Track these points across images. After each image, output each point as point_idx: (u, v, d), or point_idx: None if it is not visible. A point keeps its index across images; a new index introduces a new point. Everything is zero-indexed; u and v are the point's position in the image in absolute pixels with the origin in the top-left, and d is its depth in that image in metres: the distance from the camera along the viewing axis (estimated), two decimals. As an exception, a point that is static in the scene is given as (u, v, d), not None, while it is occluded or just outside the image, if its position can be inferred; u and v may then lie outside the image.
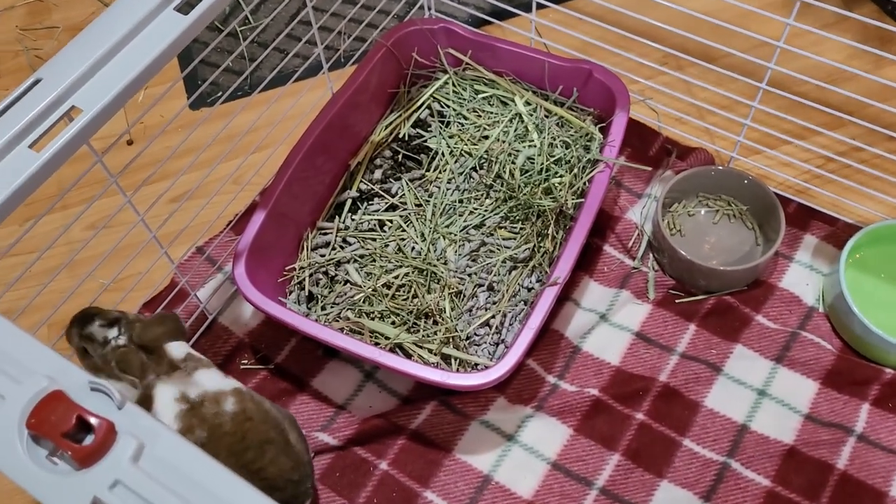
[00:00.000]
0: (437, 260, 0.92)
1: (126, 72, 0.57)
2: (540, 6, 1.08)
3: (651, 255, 0.96)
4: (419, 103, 1.04)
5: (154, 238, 0.83)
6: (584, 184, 0.92)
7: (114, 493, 0.43)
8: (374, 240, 0.95)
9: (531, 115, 1.00)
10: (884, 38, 1.11)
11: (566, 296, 0.94)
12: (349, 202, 0.99)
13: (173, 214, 0.87)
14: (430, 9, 1.12)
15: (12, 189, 0.55)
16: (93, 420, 0.44)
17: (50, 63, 0.59)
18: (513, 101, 1.02)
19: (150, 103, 1.15)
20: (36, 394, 0.45)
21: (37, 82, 0.59)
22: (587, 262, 0.96)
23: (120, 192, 0.76)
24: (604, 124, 0.96)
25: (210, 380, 0.72)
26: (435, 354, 0.85)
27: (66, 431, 0.43)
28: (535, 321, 0.79)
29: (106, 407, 0.45)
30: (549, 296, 0.81)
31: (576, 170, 0.94)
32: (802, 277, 0.93)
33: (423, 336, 0.86)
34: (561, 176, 0.94)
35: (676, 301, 0.92)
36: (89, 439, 0.44)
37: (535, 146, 0.97)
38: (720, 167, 0.97)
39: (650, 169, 1.02)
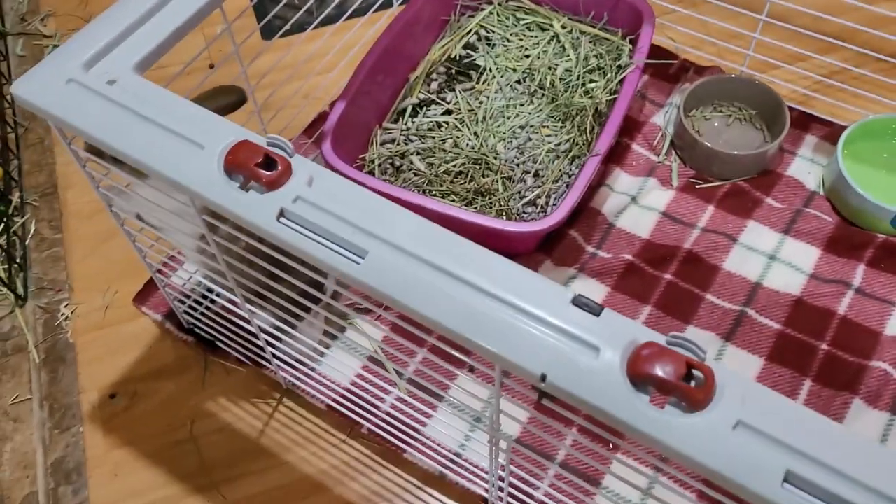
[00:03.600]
0: (489, 153, 1.06)
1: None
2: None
3: (674, 151, 1.11)
4: (468, 29, 1.19)
5: (262, 122, 0.97)
6: (617, 85, 1.07)
7: (295, 205, 0.56)
8: (433, 138, 1.09)
9: (567, 36, 1.15)
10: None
11: (601, 182, 1.08)
12: (410, 108, 1.13)
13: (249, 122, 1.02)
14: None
15: (184, 19, 0.69)
16: (276, 158, 0.58)
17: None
18: (551, 25, 1.17)
19: (226, 35, 1.30)
20: (229, 143, 0.59)
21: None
22: (618, 157, 1.11)
23: (248, 91, 0.91)
24: (632, 37, 1.11)
25: None
26: (491, 223, 0.99)
27: (256, 164, 0.57)
28: (580, 183, 0.93)
29: (282, 154, 0.59)
30: (590, 165, 0.95)
31: (609, 75, 1.09)
32: (805, 167, 1.08)
33: (480, 208, 1.00)
34: (595, 81, 1.09)
35: (697, 187, 1.07)
36: (274, 172, 0.58)
37: (571, 60, 1.12)
38: (732, 75, 1.12)
39: (674, 62, 1.16)
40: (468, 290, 0.52)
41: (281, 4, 1.07)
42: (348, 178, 0.96)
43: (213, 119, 0.61)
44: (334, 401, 0.89)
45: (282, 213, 0.56)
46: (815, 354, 0.92)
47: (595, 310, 0.52)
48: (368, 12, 1.23)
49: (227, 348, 0.95)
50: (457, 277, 0.53)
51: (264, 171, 0.57)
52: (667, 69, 1.19)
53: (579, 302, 0.53)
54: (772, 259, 1.00)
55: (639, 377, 0.48)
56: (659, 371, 0.47)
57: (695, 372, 0.47)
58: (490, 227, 0.91)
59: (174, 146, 0.59)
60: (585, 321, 0.51)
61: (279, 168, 0.57)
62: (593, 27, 1.15)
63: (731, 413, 0.46)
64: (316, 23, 1.27)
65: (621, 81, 1.05)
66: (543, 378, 0.49)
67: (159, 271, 0.92)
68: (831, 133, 1.10)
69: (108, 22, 0.67)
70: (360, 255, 0.54)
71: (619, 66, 1.09)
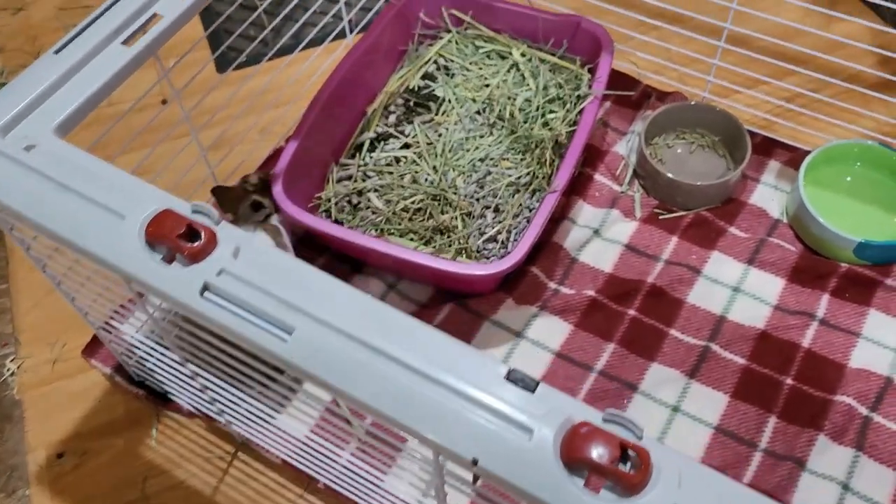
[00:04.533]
0: (448, 188, 1.04)
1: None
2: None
3: (636, 181, 1.09)
4: (427, 59, 1.17)
5: (208, 165, 0.95)
6: (577, 116, 1.05)
7: (220, 279, 0.54)
8: (391, 173, 1.07)
9: (527, 64, 1.13)
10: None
11: (563, 215, 1.06)
12: (367, 142, 1.11)
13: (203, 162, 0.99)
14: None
15: (109, 76, 0.67)
16: (199, 228, 0.55)
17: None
18: (510, 53, 1.15)
19: (180, 67, 1.27)
20: (151, 212, 0.56)
21: (123, -3, 0.70)
22: (580, 188, 1.09)
23: (193, 137, 0.88)
24: (591, 66, 1.09)
25: None
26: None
27: (179, 234, 0.55)
28: (538, 220, 0.91)
29: (207, 223, 0.57)
30: (549, 202, 0.93)
31: (568, 105, 1.07)
32: (769, 194, 1.06)
33: (439, 247, 0.98)
34: (555, 112, 1.07)
35: (660, 217, 1.05)
36: (197, 243, 0.55)
37: (531, 89, 1.10)
38: (693, 102, 1.11)
39: (633, 94, 1.14)
40: (399, 369, 0.50)
41: (234, 36, 1.04)
42: (300, 222, 0.95)
43: (135, 186, 0.59)
44: (290, 455, 0.86)
45: (206, 288, 0.54)
46: (780, 389, 0.91)
47: (530, 385, 0.50)
48: (325, 42, 1.21)
49: (179, 401, 0.92)
50: (387, 355, 0.50)
51: (187, 243, 0.55)
52: (629, 95, 1.18)
53: (514, 378, 0.50)
54: (736, 291, 0.98)
55: (573, 461, 0.46)
56: (593, 454, 0.45)
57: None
58: (447, 270, 0.89)
59: (93, 216, 0.57)
60: (520, 399, 0.49)
61: (203, 239, 0.55)
62: (553, 55, 1.14)
63: (666, 497, 0.44)
64: (271, 54, 1.25)
65: (581, 112, 1.03)
66: (475, 462, 0.47)
67: (106, 323, 0.89)
68: (794, 158, 1.09)
69: (27, 82, 0.64)
70: (287, 332, 0.52)
71: (579, 96, 1.07)
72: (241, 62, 1.26)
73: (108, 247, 0.55)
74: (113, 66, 0.67)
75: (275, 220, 0.97)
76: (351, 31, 1.26)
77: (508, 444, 0.47)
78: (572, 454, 0.45)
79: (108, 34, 0.68)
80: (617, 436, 0.46)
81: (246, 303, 0.53)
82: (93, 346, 0.97)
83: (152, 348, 0.81)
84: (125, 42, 0.68)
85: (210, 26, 1.32)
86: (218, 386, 0.76)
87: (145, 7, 0.69)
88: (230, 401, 0.80)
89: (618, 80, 1.18)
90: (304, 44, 1.19)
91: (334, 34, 1.19)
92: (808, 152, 1.08)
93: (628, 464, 0.45)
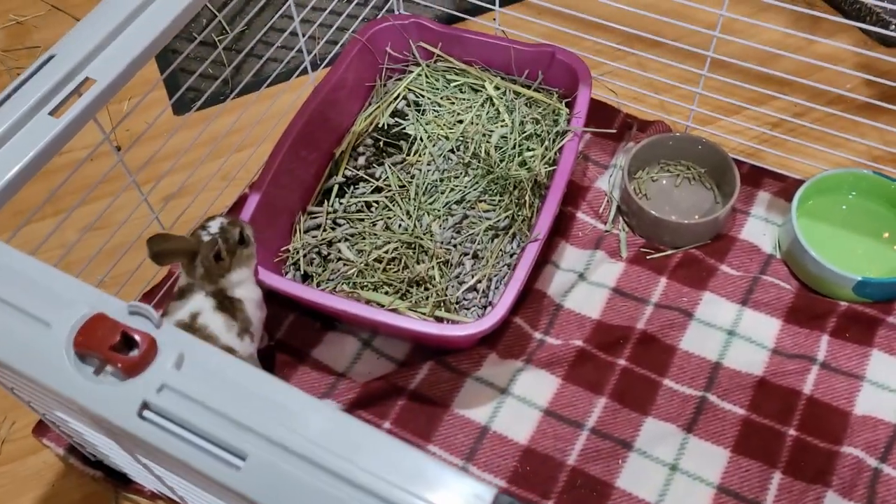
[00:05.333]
0: (424, 234, 0.98)
1: (137, 43, 0.63)
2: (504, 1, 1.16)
3: (621, 218, 1.03)
4: (395, 94, 1.10)
5: (161, 226, 0.87)
6: (556, 154, 0.99)
7: (161, 396, 0.47)
8: (363, 220, 1.00)
9: (501, 98, 1.07)
10: (815, 18, 1.21)
11: (546, 259, 1.00)
12: (336, 187, 1.04)
13: (164, 210, 0.92)
14: (398, 10, 1.20)
15: (36, 152, 0.60)
16: (136, 335, 0.48)
17: (62, 40, 0.64)
18: (483, 87, 1.09)
19: (135, 110, 1.20)
20: (81, 318, 0.50)
21: (50, 58, 0.64)
22: (563, 228, 1.03)
23: (137, 189, 0.81)
24: (569, 99, 1.03)
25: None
26: (428, 317, 0.91)
27: (112, 346, 0.48)
28: (519, 273, 0.85)
29: (146, 327, 0.50)
30: (531, 252, 0.87)
31: (546, 142, 1.01)
32: (759, 229, 1.01)
33: (415, 301, 0.92)
34: (533, 149, 1.02)
35: (647, 258, 0.99)
36: (134, 353, 0.48)
37: (506, 125, 1.04)
38: (677, 134, 1.05)
39: (614, 131, 1.09)
40: (370, 500, 0.44)
41: (195, 76, 0.97)
42: (265, 284, 0.88)
43: (64, 285, 0.52)
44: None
45: (144, 407, 0.47)
46: (783, 441, 0.86)
47: (520, 512, 0.44)
48: (289, 79, 1.14)
49: (139, 481, 0.85)
50: (357, 485, 0.44)
51: (123, 354, 0.48)
52: (610, 125, 1.12)
53: (501, 503, 0.44)
54: (731, 335, 0.93)
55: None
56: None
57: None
58: (424, 332, 0.83)
59: (14, 325, 0.50)
60: (509, 532, 0.43)
61: (141, 348, 0.48)
62: (528, 87, 1.08)
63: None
64: (233, 94, 1.18)
65: (560, 149, 0.98)
66: None
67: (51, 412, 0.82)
68: (784, 189, 1.04)
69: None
70: (240, 458, 0.45)
71: (558, 132, 1.01)
72: (202, 103, 1.20)
73: (31, 361, 0.48)
74: (39, 140, 0.60)
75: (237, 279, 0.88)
76: (315, 67, 1.19)
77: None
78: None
79: (34, 103, 0.61)
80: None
81: (191, 424, 0.46)
82: (44, 425, 0.89)
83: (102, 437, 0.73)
84: (53, 112, 0.61)
85: (167, 67, 1.25)
86: (173, 477, 0.69)
87: (76, 71, 0.63)
88: (189, 492, 0.73)
89: (597, 109, 1.13)
90: (267, 82, 1.12)
91: (299, 71, 1.13)
92: (798, 181, 1.03)
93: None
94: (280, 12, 1.08)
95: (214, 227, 0.83)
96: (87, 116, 0.62)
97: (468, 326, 0.82)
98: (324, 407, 0.48)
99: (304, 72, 1.09)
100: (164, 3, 0.68)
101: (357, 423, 0.47)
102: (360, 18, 1.20)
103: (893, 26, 1.18)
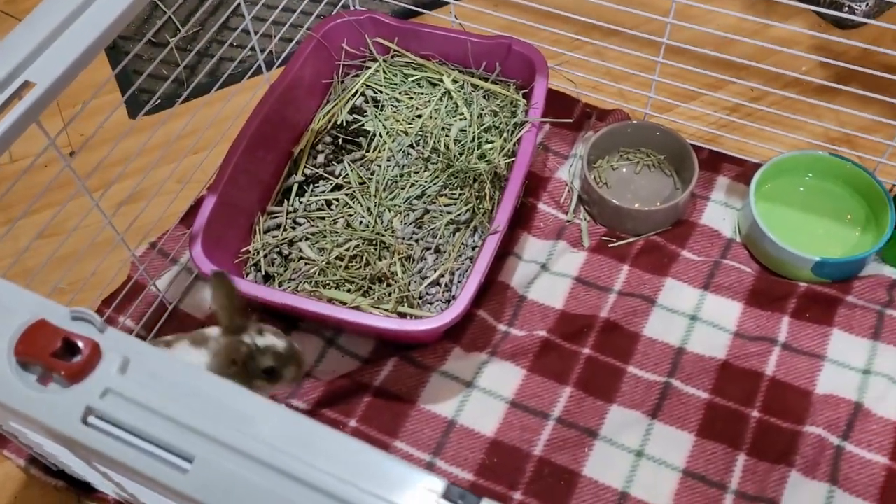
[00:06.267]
0: (385, 230, 0.97)
1: (78, 44, 0.62)
2: (458, -6, 1.16)
3: (582, 208, 1.04)
4: (353, 91, 1.10)
5: (115, 231, 0.86)
6: (514, 145, 0.99)
7: (105, 401, 0.46)
8: (323, 218, 1.00)
9: (459, 92, 1.07)
10: (770, 2, 1.23)
11: (508, 251, 1.00)
12: (296, 186, 1.03)
13: (118, 214, 0.91)
14: (354, 5, 1.19)
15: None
16: (78, 341, 0.47)
17: (1, 44, 0.63)
18: (441, 81, 1.09)
19: (89, 114, 1.18)
20: (21, 325, 0.48)
21: (-12, 64, 0.62)
22: (524, 220, 1.03)
23: (87, 195, 0.80)
24: (527, 90, 1.03)
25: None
26: (391, 313, 0.90)
27: (54, 352, 0.47)
28: (480, 266, 0.85)
29: (89, 332, 0.49)
30: (490, 244, 0.87)
31: (505, 134, 1.01)
32: (719, 214, 1.02)
33: (378, 298, 0.91)
34: (492, 142, 1.01)
35: (609, 246, 1.00)
36: (77, 359, 0.47)
37: (465, 118, 1.04)
38: (635, 122, 1.06)
39: (571, 121, 1.09)
40: (321, 498, 0.43)
41: (144, 75, 0.95)
42: (223, 284, 0.86)
43: (5, 292, 0.51)
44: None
45: (88, 413, 0.46)
46: (747, 424, 0.86)
47: (471, 501, 0.44)
48: (244, 79, 1.13)
49: (102, 489, 0.84)
50: (306, 483, 0.44)
51: (65, 360, 0.47)
52: (569, 114, 1.12)
53: (451, 495, 0.44)
54: (693, 319, 0.94)
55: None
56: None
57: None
58: (386, 328, 0.82)
59: (-47, 336, 0.48)
60: (460, 524, 0.43)
61: (84, 354, 0.47)
62: (485, 80, 1.08)
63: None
64: (186, 94, 1.16)
65: (518, 141, 0.98)
66: None
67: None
68: (743, 173, 1.05)
69: None
70: (187, 460, 0.45)
71: (516, 124, 1.01)
72: (155, 105, 1.18)
73: (-30, 371, 0.47)
74: (-22, 146, 0.59)
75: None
76: (271, 66, 1.18)
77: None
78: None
79: (-30, 110, 0.59)
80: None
81: (136, 428, 0.45)
82: (3, 437, 0.87)
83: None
84: (-10, 118, 0.59)
85: (123, 70, 1.23)
86: (132, 485, 0.68)
87: (14, 75, 0.61)
88: (150, 499, 0.72)
89: (555, 99, 1.13)
90: (220, 82, 1.10)
91: (253, 70, 1.12)
92: (756, 165, 1.04)
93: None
94: (230, 10, 1.06)
95: (261, 341, 0.74)
96: (28, 121, 0.61)
97: (430, 321, 0.81)
98: (274, 407, 0.47)
99: (260, 71, 1.08)
100: (105, 4, 0.67)
101: (308, 422, 0.47)
102: (314, 15, 1.19)
103: (847, 8, 1.19)
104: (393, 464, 0.45)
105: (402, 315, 0.90)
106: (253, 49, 1.01)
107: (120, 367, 0.47)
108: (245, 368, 0.73)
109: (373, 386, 0.89)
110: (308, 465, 0.44)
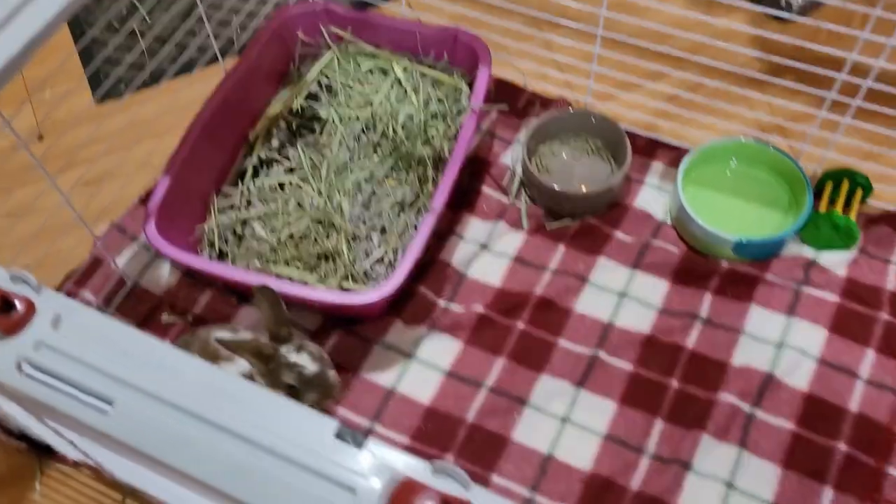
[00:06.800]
0: (334, 211, 1.03)
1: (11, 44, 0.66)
2: (411, -14, 1.20)
3: (523, 191, 1.09)
4: (309, 79, 1.15)
5: (72, 209, 0.91)
6: (457, 130, 1.04)
7: (39, 353, 0.51)
8: (276, 200, 1.05)
9: (409, 80, 1.12)
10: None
11: (451, 231, 1.06)
12: (250, 169, 1.08)
13: (83, 196, 0.96)
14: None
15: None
16: (15, 299, 0.53)
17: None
18: (392, 69, 1.14)
19: (56, 100, 1.23)
20: (-37, 285, 0.54)
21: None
22: (468, 202, 1.08)
23: (46, 177, 0.85)
24: (472, 78, 1.09)
25: None
26: (336, 289, 0.96)
27: (-8, 309, 0.52)
28: (417, 243, 0.90)
29: (25, 291, 0.54)
30: (428, 222, 0.92)
31: (448, 120, 1.07)
32: (652, 197, 1.08)
33: (324, 274, 0.97)
34: (437, 127, 1.07)
35: (547, 228, 1.05)
36: (13, 315, 0.53)
37: (413, 105, 1.09)
38: (572, 110, 1.11)
39: (506, 107, 1.15)
40: (223, 436, 0.49)
41: (100, 58, 1.00)
42: (178, 261, 0.92)
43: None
44: (176, 500, 0.84)
45: (22, 362, 0.51)
46: (666, 393, 0.92)
47: (358, 441, 0.49)
48: (197, 65, 1.17)
49: (63, 450, 0.89)
50: (210, 423, 0.49)
51: (2, 316, 0.52)
52: (515, 103, 1.18)
53: (342, 434, 0.50)
54: (622, 296, 1.00)
55: None
56: None
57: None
58: (327, 301, 0.88)
59: None
60: (346, 459, 0.48)
61: (19, 310, 0.53)
62: (433, 68, 1.13)
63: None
64: (143, 78, 1.20)
65: (461, 126, 1.03)
66: (301, 528, 0.46)
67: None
68: (677, 158, 1.10)
69: None
70: (108, 403, 0.50)
71: (459, 111, 1.07)
72: (118, 90, 1.22)
73: (-84, 326, 0.52)
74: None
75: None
76: (227, 53, 1.23)
77: (333, 507, 0.46)
78: None
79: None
80: (440, 491, 0.45)
81: (63, 375, 0.51)
82: (-34, 404, 0.92)
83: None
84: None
85: (89, 58, 1.28)
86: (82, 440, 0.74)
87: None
88: (103, 456, 0.77)
89: (503, 89, 1.18)
90: (174, 70, 1.15)
91: (208, 57, 1.16)
92: (688, 151, 1.09)
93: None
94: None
95: (293, 357, 0.79)
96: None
97: (368, 294, 0.87)
98: (192, 360, 0.53)
99: (214, 60, 1.12)
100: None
101: (221, 374, 0.52)
102: (272, 2, 1.23)
103: (784, 3, 1.25)
104: (295, 409, 0.50)
105: (347, 290, 0.96)
106: (210, 37, 1.06)
107: (52, 323, 0.53)
108: (273, 374, 0.78)
109: (318, 356, 0.95)
110: (216, 409, 0.49)
